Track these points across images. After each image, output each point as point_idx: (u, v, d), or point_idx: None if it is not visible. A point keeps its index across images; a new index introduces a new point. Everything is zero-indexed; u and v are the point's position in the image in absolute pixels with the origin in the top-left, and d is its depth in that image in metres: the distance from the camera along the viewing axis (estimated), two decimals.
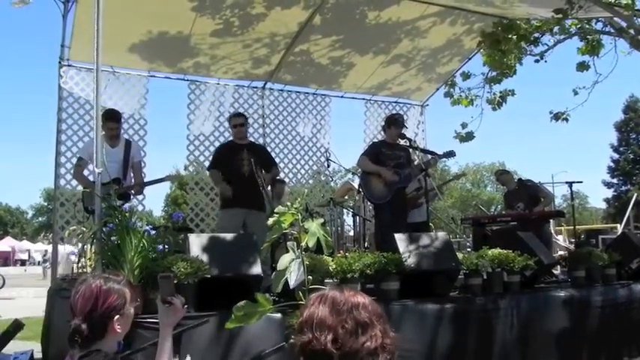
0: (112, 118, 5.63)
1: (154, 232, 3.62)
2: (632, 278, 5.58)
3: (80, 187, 6.15)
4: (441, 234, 4.78)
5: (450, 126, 6.56)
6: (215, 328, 3.39)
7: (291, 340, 1.59)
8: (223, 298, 2.94)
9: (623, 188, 38.19)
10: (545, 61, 6.28)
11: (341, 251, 5.73)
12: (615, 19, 5.75)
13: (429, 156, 6.23)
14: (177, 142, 9.43)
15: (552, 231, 10.19)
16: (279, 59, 7.61)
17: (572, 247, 10.50)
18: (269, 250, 5.11)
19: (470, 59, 8.06)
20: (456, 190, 46.44)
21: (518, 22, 6.12)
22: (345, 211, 7.58)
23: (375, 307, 1.55)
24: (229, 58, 7.38)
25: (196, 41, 6.94)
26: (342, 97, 8.72)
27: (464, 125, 6.46)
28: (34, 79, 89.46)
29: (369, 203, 6.75)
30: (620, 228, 18.30)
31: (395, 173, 5.83)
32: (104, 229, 3.60)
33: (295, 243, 2.48)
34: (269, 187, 6.15)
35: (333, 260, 3.88)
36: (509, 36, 5.76)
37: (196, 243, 3.79)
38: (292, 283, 2.37)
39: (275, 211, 2.49)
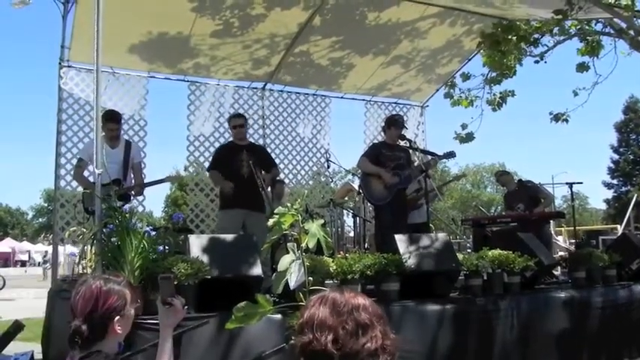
0: (112, 119, 5.63)
1: (154, 233, 3.61)
2: (632, 279, 5.57)
3: (80, 188, 6.15)
4: (441, 235, 4.78)
5: (450, 127, 6.56)
6: (215, 329, 3.38)
7: (292, 341, 1.59)
8: (223, 299, 2.93)
9: (623, 189, 38.20)
10: (545, 62, 6.28)
11: (341, 252, 5.72)
12: (615, 20, 5.75)
13: (429, 157, 6.23)
14: (177, 142, 9.44)
15: (552, 232, 10.20)
16: (279, 60, 7.61)
17: (572, 248, 10.50)
18: (269, 251, 5.11)
19: (470, 60, 8.06)
20: (456, 191, 46.43)
21: (517, 23, 6.12)
22: (345, 212, 7.57)
23: (376, 308, 1.55)
24: (229, 58, 7.38)
25: (196, 42, 6.94)
26: (342, 97, 8.73)
27: (464, 126, 6.46)
28: (34, 80, 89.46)
29: (369, 204, 6.75)
30: (620, 229, 18.29)
31: (395, 174, 5.83)
32: (104, 230, 3.59)
33: (295, 244, 2.48)
34: (269, 188, 6.15)
35: (333, 261, 3.87)
36: (509, 37, 5.76)
37: (196, 244, 3.79)
38: (292, 284, 2.37)
39: (275, 212, 2.49)
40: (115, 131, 5.68)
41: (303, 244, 2.44)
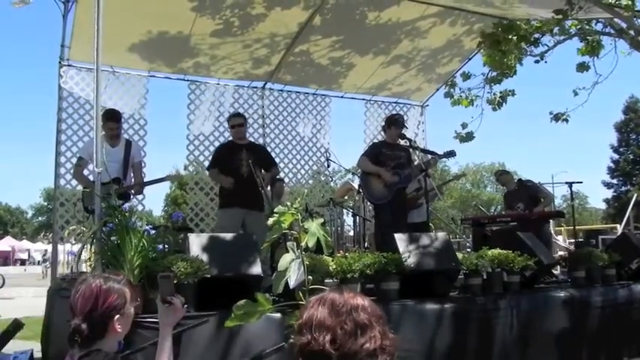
0: (112, 117, 5.63)
1: (153, 231, 3.61)
2: (632, 278, 5.57)
3: (80, 187, 6.15)
4: (441, 234, 4.78)
5: (450, 126, 6.57)
6: (215, 327, 3.38)
7: (291, 340, 1.59)
8: (223, 297, 2.93)
9: (623, 189, 38.19)
10: (546, 62, 6.28)
11: (341, 251, 5.72)
12: (615, 19, 5.75)
13: (429, 156, 6.23)
14: (177, 142, 9.45)
15: (552, 231, 10.19)
16: (279, 59, 7.61)
17: (572, 247, 10.50)
18: (269, 250, 5.11)
19: (470, 60, 8.07)
20: (456, 191, 46.45)
21: (518, 22, 6.12)
22: (344, 211, 7.58)
23: (375, 308, 1.55)
24: (229, 58, 7.38)
25: (196, 41, 6.94)
26: (342, 97, 8.73)
27: (464, 125, 6.46)
28: (34, 79, 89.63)
29: (368, 203, 6.75)
30: (619, 228, 18.29)
31: (395, 174, 5.83)
32: (104, 228, 3.59)
33: (295, 243, 2.48)
34: (268, 187, 6.15)
35: (333, 260, 3.87)
36: (510, 36, 5.76)
37: (196, 243, 3.79)
38: (292, 284, 2.37)
39: (275, 211, 2.49)
40: (115, 130, 5.67)
41: (303, 243, 2.44)
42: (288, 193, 7.86)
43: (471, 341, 4.24)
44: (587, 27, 6.38)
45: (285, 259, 2.41)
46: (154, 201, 62.05)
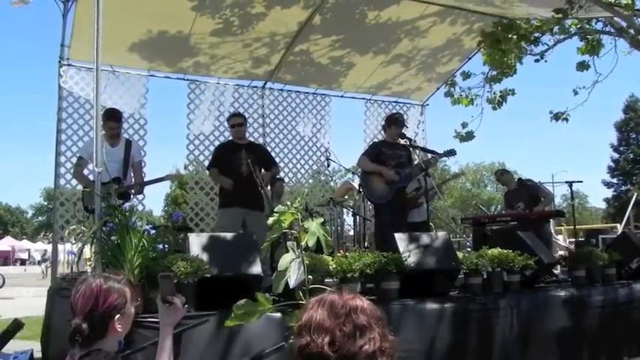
0: (112, 117, 5.63)
1: (153, 231, 3.61)
2: (632, 278, 5.57)
3: (80, 187, 6.15)
4: (441, 233, 4.78)
5: (450, 126, 6.57)
6: (215, 327, 3.38)
7: (291, 341, 1.59)
8: (223, 297, 2.93)
9: (623, 188, 38.19)
10: (546, 61, 6.30)
11: (341, 251, 5.72)
12: (615, 18, 5.75)
13: (430, 155, 6.23)
14: (177, 141, 9.46)
15: (552, 231, 10.19)
16: (279, 59, 7.61)
17: (572, 246, 10.50)
18: (269, 250, 5.11)
19: (470, 59, 8.06)
20: (456, 190, 46.46)
21: (518, 21, 6.12)
22: (345, 210, 7.58)
23: (374, 310, 1.54)
24: (229, 57, 7.38)
25: (196, 41, 6.94)
26: (342, 96, 8.73)
27: (464, 125, 6.47)
28: (34, 79, 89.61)
29: (368, 203, 6.75)
30: (620, 228, 18.27)
31: (395, 173, 5.83)
32: (104, 228, 3.59)
33: (295, 243, 2.48)
34: (268, 187, 6.15)
35: (333, 260, 3.87)
36: (510, 36, 5.76)
37: (196, 242, 3.79)
38: (292, 283, 2.37)
39: (275, 210, 2.49)
40: (115, 129, 5.67)
41: (303, 243, 2.44)
42: (288, 192, 7.86)
43: (471, 341, 4.24)
44: (587, 26, 6.38)
45: (285, 259, 2.41)
46: (154, 201, 62.10)
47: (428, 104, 9.14)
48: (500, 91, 6.51)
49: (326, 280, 3.68)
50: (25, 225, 66.22)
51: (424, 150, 6.58)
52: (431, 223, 6.91)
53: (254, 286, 3.53)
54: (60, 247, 6.37)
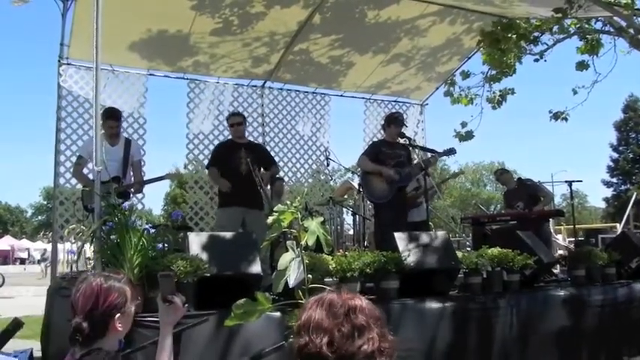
0: (112, 116, 5.63)
1: (153, 230, 3.61)
2: (631, 277, 5.57)
3: (80, 186, 6.15)
4: (441, 233, 4.78)
5: (450, 125, 6.58)
6: (215, 326, 3.38)
7: (290, 341, 1.59)
8: (223, 296, 2.93)
9: (623, 187, 38.22)
10: (545, 61, 6.32)
11: (340, 250, 5.73)
12: (615, 18, 5.76)
13: (429, 154, 6.23)
14: (176, 140, 9.41)
15: (552, 230, 10.19)
16: (278, 58, 7.60)
17: (571, 246, 10.51)
18: (268, 249, 5.12)
19: (469, 58, 8.06)
20: (456, 190, 46.49)
21: (517, 21, 6.13)
22: (344, 210, 7.58)
23: (373, 310, 1.54)
24: (229, 56, 7.37)
25: (196, 40, 6.94)
26: (341, 96, 8.72)
27: (463, 124, 6.48)
28: (33, 79, 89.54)
29: (368, 202, 6.75)
30: (619, 227, 18.27)
31: (395, 172, 5.83)
32: (103, 227, 3.59)
33: (295, 242, 2.48)
34: (268, 186, 6.15)
35: (332, 259, 3.87)
36: (509, 35, 5.77)
37: (196, 241, 3.79)
38: (292, 282, 2.37)
39: (274, 209, 2.49)
40: (114, 129, 5.67)
41: (303, 242, 2.44)
42: (287, 191, 7.86)
43: (471, 340, 4.24)
44: (586, 26, 6.39)
45: (284, 258, 2.41)
46: (153, 200, 62.05)
47: (427, 104, 9.14)
48: (500, 91, 6.52)
49: (325, 280, 3.68)
50: (25, 224, 66.21)
51: (424, 149, 6.58)
52: (430, 223, 6.91)
53: (254, 285, 3.53)
54: (59, 246, 6.36)
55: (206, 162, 6.78)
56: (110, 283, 1.99)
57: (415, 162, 6.13)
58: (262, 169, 5.96)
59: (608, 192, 40.09)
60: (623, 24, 5.62)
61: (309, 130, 8.47)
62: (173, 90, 9.22)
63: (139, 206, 6.87)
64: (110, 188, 4.35)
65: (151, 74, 7.35)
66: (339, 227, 7.48)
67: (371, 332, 1.48)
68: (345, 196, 7.95)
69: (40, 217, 64.25)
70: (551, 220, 9.02)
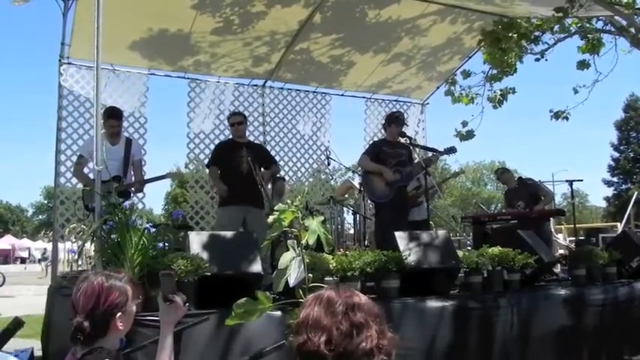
0: (113, 115, 5.63)
1: (154, 229, 3.61)
2: (632, 277, 5.57)
3: (80, 185, 6.15)
4: (442, 232, 4.78)
5: (451, 124, 6.58)
6: (215, 325, 3.38)
7: (290, 339, 1.59)
8: (223, 296, 2.93)
9: (624, 187, 38.23)
10: (546, 60, 6.32)
11: (341, 249, 5.73)
12: (616, 17, 5.75)
13: (430, 154, 6.23)
14: (177, 140, 9.49)
15: (552, 229, 10.19)
16: (279, 57, 7.60)
17: (572, 245, 10.51)
18: (269, 248, 5.12)
19: (470, 57, 8.05)
20: (457, 189, 46.48)
21: (518, 20, 6.13)
22: (345, 209, 7.58)
23: (372, 307, 1.54)
24: (229, 56, 7.37)
25: (196, 39, 6.94)
26: (342, 95, 8.72)
27: (464, 123, 6.48)
28: (34, 78, 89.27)
29: (369, 201, 6.75)
30: (620, 226, 18.24)
31: (396, 172, 5.83)
32: (104, 226, 3.59)
33: (295, 241, 2.48)
34: (269, 185, 6.15)
35: (333, 258, 3.87)
36: (510, 34, 5.77)
37: (196, 241, 3.79)
38: (292, 282, 2.37)
39: (275, 209, 2.49)
40: (115, 128, 5.67)
41: (303, 241, 2.44)
42: (288, 191, 7.86)
43: (472, 339, 4.24)
44: (587, 25, 6.39)
45: (285, 257, 2.41)
46: (154, 199, 61.98)
47: (428, 103, 9.13)
48: (501, 90, 6.52)
49: (326, 279, 3.68)
50: (26, 223, 66.25)
51: (424, 148, 6.58)
52: (431, 222, 6.91)
53: (254, 284, 3.54)
54: (60, 245, 6.36)
55: (207, 161, 6.78)
56: (111, 282, 1.99)
57: (416, 161, 6.13)
58: (263, 169, 5.97)
59: (609, 191, 40.14)
60: (624, 23, 5.62)
61: (309, 130, 8.47)
62: (174, 89, 9.24)
63: (140, 205, 6.88)
64: (111, 187, 4.35)
65: (151, 74, 7.36)
66: (339, 226, 7.49)
67: (369, 330, 1.47)
68: (346, 196, 7.96)
69: (40, 217, 64.27)
70: (551, 219, 9.02)
